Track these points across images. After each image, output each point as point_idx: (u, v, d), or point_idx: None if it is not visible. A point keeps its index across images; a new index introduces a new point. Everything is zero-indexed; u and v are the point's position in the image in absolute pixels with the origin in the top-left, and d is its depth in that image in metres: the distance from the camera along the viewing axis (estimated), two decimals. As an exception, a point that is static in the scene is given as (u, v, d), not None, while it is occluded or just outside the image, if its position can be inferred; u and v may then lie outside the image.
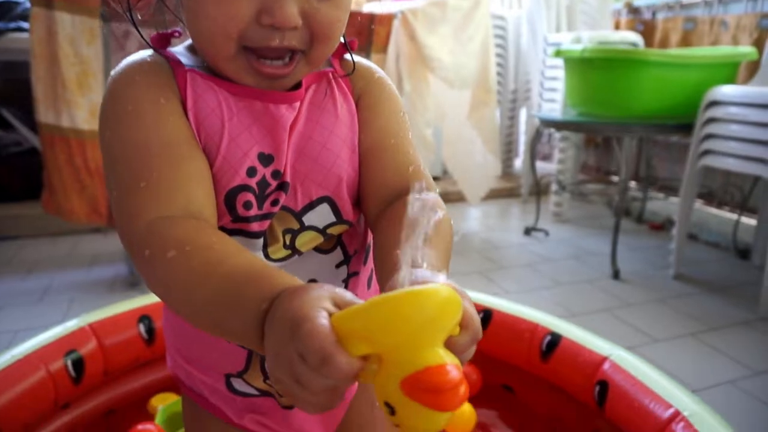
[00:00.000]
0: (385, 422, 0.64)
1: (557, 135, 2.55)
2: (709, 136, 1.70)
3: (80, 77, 1.55)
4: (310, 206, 0.53)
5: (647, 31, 2.71)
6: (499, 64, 2.72)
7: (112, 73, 0.49)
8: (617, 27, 2.90)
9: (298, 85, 0.52)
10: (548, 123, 2.00)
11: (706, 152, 1.72)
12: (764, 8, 2.23)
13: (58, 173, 1.57)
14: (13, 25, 2.07)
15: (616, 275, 1.85)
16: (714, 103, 1.69)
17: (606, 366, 0.90)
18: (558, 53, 2.02)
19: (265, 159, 0.50)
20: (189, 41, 0.52)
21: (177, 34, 0.53)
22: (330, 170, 0.52)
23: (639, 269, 1.93)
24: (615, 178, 2.96)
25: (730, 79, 1.89)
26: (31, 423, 0.86)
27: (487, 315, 1.06)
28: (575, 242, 2.23)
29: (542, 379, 1.00)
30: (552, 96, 2.48)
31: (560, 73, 2.34)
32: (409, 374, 0.31)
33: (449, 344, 0.34)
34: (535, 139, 2.24)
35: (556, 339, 0.97)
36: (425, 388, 0.31)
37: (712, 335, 1.47)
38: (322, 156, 0.52)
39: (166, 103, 0.47)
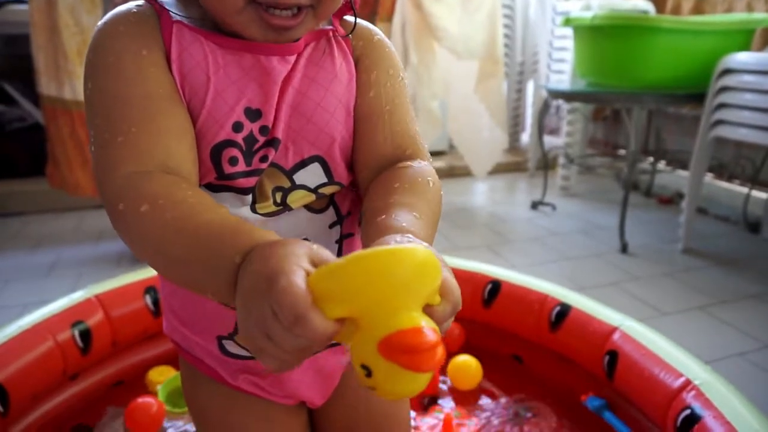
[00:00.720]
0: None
1: (565, 107, 2.51)
2: (722, 106, 1.67)
3: (81, 47, 1.53)
4: (302, 164, 0.52)
5: (659, -1, 2.64)
6: (506, 35, 2.67)
7: (98, 23, 0.48)
8: (628, -4, 2.83)
9: (294, 40, 0.50)
10: (557, 94, 1.97)
11: (718, 122, 1.68)
12: (781, -25, 2.17)
13: (61, 146, 1.55)
14: (12, -4, 2.04)
15: (624, 249, 1.83)
16: (727, 71, 1.65)
17: (616, 336, 0.89)
18: (567, 21, 1.97)
19: (253, 114, 0.49)
20: None
21: None
22: (323, 129, 0.51)
23: (647, 243, 1.91)
24: (623, 152, 2.92)
25: (745, 47, 1.84)
26: (40, 392, 0.86)
27: (495, 286, 1.05)
28: (583, 216, 2.21)
29: (551, 350, 0.99)
30: (560, 67, 2.44)
31: (569, 43, 2.30)
32: (386, 335, 0.31)
33: (429, 312, 0.34)
34: (543, 111, 2.20)
35: (565, 309, 0.96)
36: (402, 349, 0.30)
37: (722, 308, 1.46)
38: (316, 114, 0.51)
39: (148, 55, 0.46)
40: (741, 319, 1.40)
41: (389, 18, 1.85)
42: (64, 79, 1.53)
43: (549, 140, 2.69)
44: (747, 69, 1.59)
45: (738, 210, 2.11)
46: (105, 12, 1.53)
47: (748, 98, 1.57)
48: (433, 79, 1.96)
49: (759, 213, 2.05)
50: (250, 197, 0.50)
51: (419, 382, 0.32)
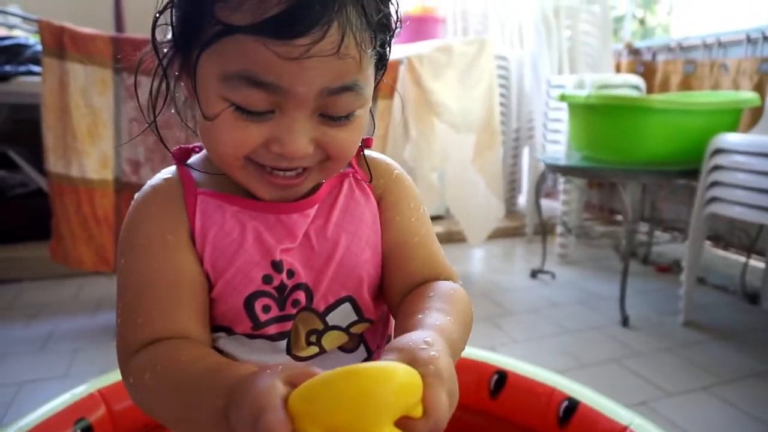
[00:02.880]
0: None
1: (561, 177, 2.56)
2: (716, 184, 1.71)
3: (91, 127, 1.56)
4: (334, 306, 0.54)
5: (648, 72, 2.75)
6: (501, 104, 2.75)
7: (136, 196, 0.53)
8: (618, 68, 2.94)
9: (315, 189, 0.53)
10: (554, 168, 2.01)
11: (713, 199, 1.72)
12: (764, 53, 2.27)
13: (66, 222, 1.56)
14: (23, 68, 2.09)
15: (625, 322, 1.83)
16: (719, 151, 1.70)
17: (625, 436, 0.88)
18: (562, 98, 2.04)
19: (277, 266, 0.52)
20: (205, 152, 0.56)
21: (198, 149, 0.57)
22: (352, 271, 0.54)
23: (647, 315, 1.92)
24: (619, 217, 2.96)
25: (734, 125, 1.91)
26: (39, 497, 0.83)
27: (501, 377, 1.05)
28: (582, 285, 2.22)
29: (559, 446, 0.97)
30: (556, 137, 2.50)
31: (564, 115, 2.37)
32: None
33: (407, 425, 0.35)
34: (540, 182, 2.25)
35: (573, 405, 0.95)
36: None
37: (725, 388, 1.45)
38: (345, 258, 0.54)
39: (173, 239, 0.50)
40: (745, 400, 1.39)
41: (390, 95, 1.90)
42: (72, 158, 1.55)
43: (546, 204, 2.73)
44: (738, 150, 1.64)
45: (736, 279, 2.12)
46: (116, 95, 1.58)
47: (741, 178, 1.62)
48: (433, 152, 2.01)
49: (757, 284, 2.06)
50: (284, 343, 0.53)
51: None
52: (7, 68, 1.95)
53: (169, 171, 0.55)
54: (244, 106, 0.43)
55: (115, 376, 0.99)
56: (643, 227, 2.63)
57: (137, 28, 2.32)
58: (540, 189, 2.28)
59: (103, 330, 1.74)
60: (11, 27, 2.30)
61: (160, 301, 0.49)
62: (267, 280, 0.51)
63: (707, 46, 2.52)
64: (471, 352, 1.12)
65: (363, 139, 0.56)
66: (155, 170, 1.74)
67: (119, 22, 2.27)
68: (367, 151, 0.58)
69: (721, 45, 2.46)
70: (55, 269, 2.16)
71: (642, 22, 4.84)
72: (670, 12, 4.32)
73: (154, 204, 0.52)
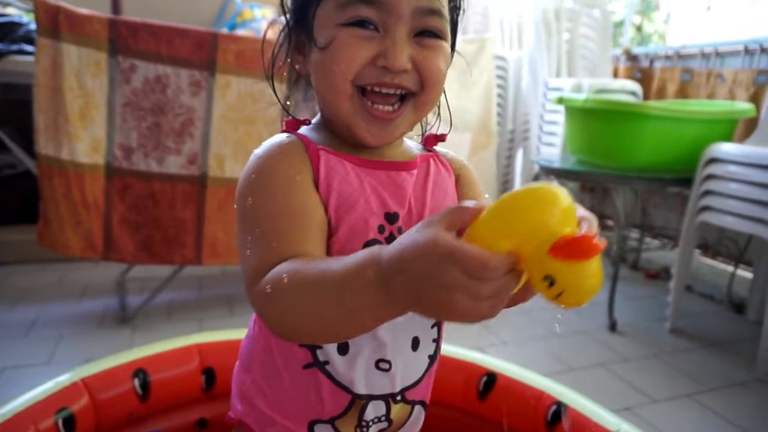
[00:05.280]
0: None
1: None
2: (708, 193, 1.72)
3: (83, 110, 1.53)
4: None
5: (645, 79, 2.75)
6: (498, 104, 2.75)
7: (256, 150, 0.57)
8: (616, 73, 2.95)
9: (411, 157, 0.62)
10: (548, 171, 2.01)
11: (705, 208, 1.73)
12: (760, 64, 2.28)
13: (54, 206, 1.54)
14: (15, 47, 2.05)
15: (612, 327, 1.84)
16: (713, 160, 1.71)
17: (612, 441, 0.88)
18: (560, 101, 2.04)
19: (391, 217, 0.58)
20: (312, 124, 0.63)
21: (308, 121, 0.63)
22: None
23: (635, 321, 1.93)
24: (610, 222, 2.97)
25: (729, 135, 1.92)
26: (18, 485, 0.82)
27: (491, 379, 1.04)
28: (571, 288, 2.22)
29: (546, 449, 0.97)
30: (551, 140, 2.50)
31: (560, 118, 2.37)
32: (554, 242, 0.37)
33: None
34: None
35: (561, 409, 0.95)
36: (571, 244, 0.37)
37: (710, 396, 1.46)
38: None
39: (302, 179, 0.55)
40: (729, 408, 1.40)
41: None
42: (63, 140, 1.52)
43: (538, 208, 2.73)
44: (732, 160, 1.64)
45: (723, 289, 2.14)
46: (110, 78, 1.55)
47: (734, 188, 1.63)
48: (428, 149, 2.00)
49: (743, 294, 2.08)
50: None
51: (596, 274, 0.38)
52: (-1, 46, 1.91)
53: (284, 135, 0.59)
54: (355, 19, 0.53)
55: (99, 366, 0.98)
56: (634, 233, 2.64)
57: (134, 11, 2.29)
58: (533, 191, 2.28)
59: (88, 317, 1.72)
60: (5, 4, 2.25)
61: (293, 228, 0.51)
62: (381, 229, 0.56)
63: (705, 56, 2.53)
64: (461, 352, 1.12)
65: (437, 135, 0.67)
66: (148, 157, 1.72)
67: (116, 4, 2.23)
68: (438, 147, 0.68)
69: (719, 55, 2.47)
70: (41, 253, 2.12)
71: (639, 28, 4.87)
72: (667, 20, 4.34)
73: (279, 153, 0.56)
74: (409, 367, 0.62)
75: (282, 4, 0.61)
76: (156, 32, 1.56)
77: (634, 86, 2.45)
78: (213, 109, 1.63)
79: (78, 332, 1.62)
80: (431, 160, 0.64)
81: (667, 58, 2.71)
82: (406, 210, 0.58)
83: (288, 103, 0.65)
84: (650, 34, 4.88)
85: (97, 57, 1.53)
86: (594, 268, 0.38)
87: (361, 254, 0.43)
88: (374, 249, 0.43)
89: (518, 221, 0.38)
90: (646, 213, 2.59)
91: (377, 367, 0.59)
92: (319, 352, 0.58)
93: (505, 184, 3.06)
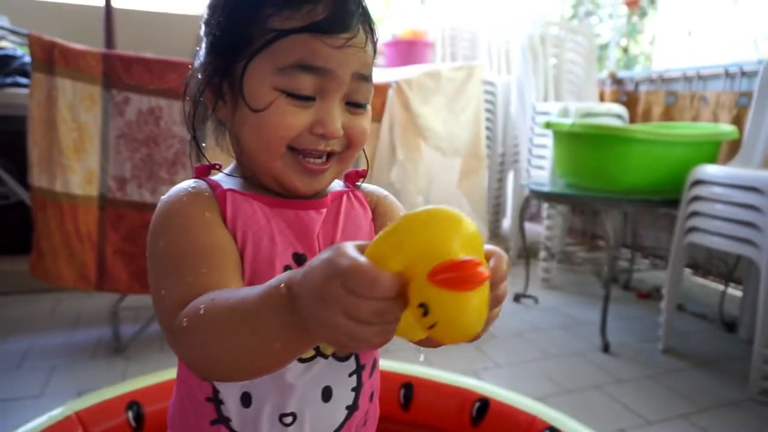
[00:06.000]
0: None
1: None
2: (695, 214, 1.74)
3: (77, 142, 1.55)
4: None
5: (630, 102, 2.81)
6: (488, 128, 2.79)
7: (163, 197, 0.57)
8: (602, 97, 3.01)
9: (323, 195, 0.61)
10: (538, 195, 2.04)
11: (692, 229, 1.75)
12: (741, 87, 2.34)
13: (48, 237, 1.54)
14: (9, 80, 2.08)
15: (605, 348, 1.85)
16: (698, 182, 1.74)
17: (605, 466, 0.88)
18: (547, 125, 2.08)
19: (299, 258, 0.57)
20: (226, 170, 0.62)
21: (218, 166, 0.62)
22: None
23: (628, 341, 1.94)
24: (601, 242, 3.00)
25: (713, 157, 1.96)
26: None
27: (483, 404, 1.05)
28: (564, 310, 2.24)
29: (540, 475, 0.98)
30: (540, 163, 2.54)
31: (548, 141, 2.41)
32: (433, 266, 0.34)
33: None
34: (524, 207, 2.27)
35: (554, 434, 0.96)
36: (448, 270, 0.33)
37: (703, 416, 1.46)
38: None
39: (211, 216, 0.55)
40: (723, 429, 1.41)
41: (378, 118, 1.92)
42: (57, 172, 1.54)
43: (529, 227, 2.75)
44: (716, 181, 1.68)
45: (714, 307, 2.15)
46: (104, 110, 1.57)
47: (719, 209, 1.66)
48: (419, 174, 2.03)
49: (735, 312, 2.10)
50: None
51: (476, 309, 0.34)
52: (-6, 80, 1.93)
53: (191, 180, 0.59)
54: (296, 91, 0.53)
55: (92, 398, 0.98)
56: (625, 253, 2.67)
57: (127, 47, 2.33)
58: (524, 214, 2.31)
59: (80, 348, 1.71)
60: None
61: (208, 263, 0.51)
62: (287, 270, 0.55)
63: (688, 79, 2.59)
64: (454, 378, 1.13)
65: (357, 171, 0.67)
66: (141, 187, 1.73)
67: (109, 39, 2.27)
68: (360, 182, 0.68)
69: (701, 78, 2.53)
70: (33, 283, 2.12)
71: (625, 50, 4.97)
72: (653, 42, 4.44)
73: (186, 196, 0.56)
74: (320, 420, 0.58)
75: (208, 43, 0.58)
76: (149, 65, 1.59)
77: (620, 109, 2.50)
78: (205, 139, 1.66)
79: (71, 363, 1.61)
80: (345, 197, 0.63)
81: (652, 81, 2.78)
82: (316, 249, 0.58)
83: (203, 145, 0.63)
84: (636, 56, 4.98)
85: (91, 90, 1.56)
86: (475, 303, 0.34)
87: (277, 278, 0.42)
88: (290, 272, 0.41)
89: (408, 240, 0.35)
90: (637, 233, 2.62)
91: (280, 421, 0.57)
92: (222, 407, 0.57)
93: (497, 206, 3.09)
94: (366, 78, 0.57)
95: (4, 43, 2.29)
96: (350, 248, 0.37)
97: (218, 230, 0.54)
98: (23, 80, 2.05)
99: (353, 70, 0.55)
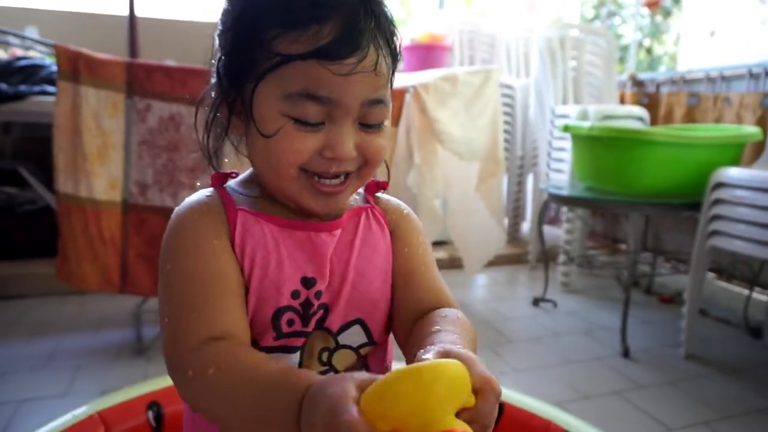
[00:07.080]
0: None
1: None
2: (717, 217, 1.71)
3: (101, 149, 1.60)
4: (347, 326, 0.59)
5: (652, 104, 2.77)
6: (507, 131, 2.78)
7: (177, 209, 0.57)
8: (622, 99, 2.97)
9: (338, 216, 0.60)
10: (557, 199, 2.03)
11: (714, 233, 1.72)
12: (766, 87, 2.30)
13: (73, 242, 1.59)
14: (37, 88, 2.14)
15: (626, 353, 1.82)
16: (721, 185, 1.71)
17: (621, 472, 0.87)
18: (566, 128, 2.07)
19: (308, 282, 0.57)
20: (242, 177, 0.62)
21: (234, 174, 0.62)
22: (366, 295, 0.59)
23: (649, 346, 1.91)
24: (623, 246, 2.96)
25: (736, 159, 1.92)
26: None
27: (498, 409, 1.04)
28: (584, 315, 2.21)
29: (555, 480, 0.97)
30: (559, 166, 2.52)
31: (567, 144, 2.39)
32: None
33: (469, 414, 0.39)
34: (543, 210, 2.26)
35: (569, 439, 0.95)
36: None
37: (726, 424, 1.44)
38: (361, 283, 0.59)
39: (219, 242, 0.54)
40: (747, 438, 1.38)
41: (396, 122, 1.93)
42: (81, 178, 1.58)
43: (549, 231, 2.74)
44: (739, 184, 1.65)
45: (738, 312, 2.11)
46: (127, 118, 1.61)
47: (742, 212, 1.62)
48: (436, 178, 2.03)
49: (760, 317, 2.05)
50: (297, 356, 0.57)
51: None
52: (23, 88, 1.99)
53: (207, 191, 0.59)
54: (303, 118, 0.52)
55: (114, 398, 1.00)
56: (646, 257, 2.63)
57: (150, 55, 2.38)
58: (543, 217, 2.30)
59: (105, 348, 1.75)
60: (28, 48, 2.35)
61: (213, 298, 0.52)
62: (295, 295, 0.56)
63: (711, 80, 2.55)
64: (469, 382, 1.13)
65: (378, 182, 0.66)
66: (163, 192, 1.77)
67: (133, 49, 2.32)
68: (380, 194, 0.67)
69: (725, 79, 2.49)
70: (59, 286, 2.18)
71: (649, 51, 4.90)
72: (677, 42, 4.37)
73: (197, 213, 0.56)
74: None
75: (217, 66, 0.56)
76: (170, 73, 1.63)
77: (641, 112, 2.47)
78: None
79: (95, 363, 1.65)
80: (363, 214, 0.62)
81: (674, 82, 2.74)
82: (328, 272, 0.57)
83: (225, 159, 0.63)
84: (660, 56, 4.91)
85: (115, 98, 1.60)
86: None
87: (296, 382, 0.43)
88: (303, 379, 0.43)
89: (399, 406, 0.37)
90: (658, 237, 2.58)
91: None
92: None
93: (516, 210, 3.07)
94: (379, 101, 0.54)
95: (33, 53, 2.36)
96: (351, 404, 0.38)
97: (225, 258, 0.54)
98: (51, 89, 2.10)
99: (362, 98, 0.52)
